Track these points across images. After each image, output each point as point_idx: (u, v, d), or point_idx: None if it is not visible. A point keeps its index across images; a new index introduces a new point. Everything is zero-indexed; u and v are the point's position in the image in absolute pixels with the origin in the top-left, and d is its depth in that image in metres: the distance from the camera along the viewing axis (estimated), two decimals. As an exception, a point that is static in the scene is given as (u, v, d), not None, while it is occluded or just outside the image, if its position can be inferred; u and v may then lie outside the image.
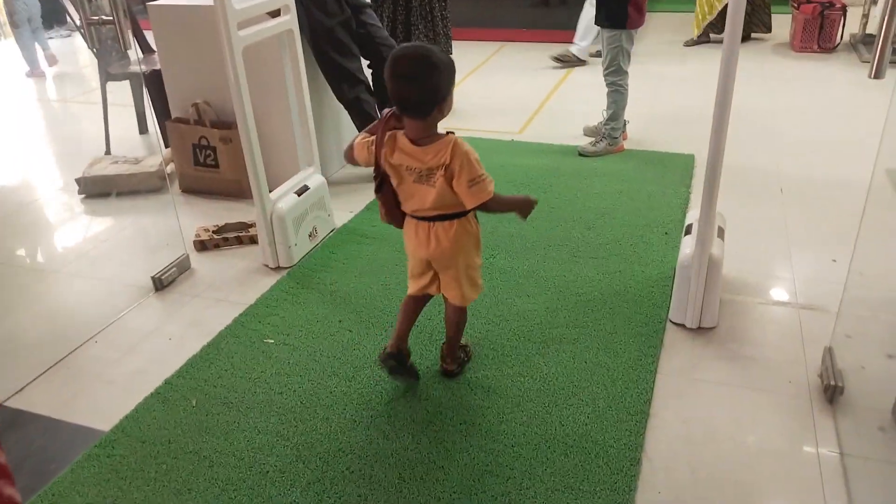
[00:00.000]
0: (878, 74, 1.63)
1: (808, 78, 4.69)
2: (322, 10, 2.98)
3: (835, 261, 2.52)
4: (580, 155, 3.54)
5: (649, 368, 2.00)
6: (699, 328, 2.18)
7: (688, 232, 2.28)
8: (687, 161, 3.38)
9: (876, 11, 5.16)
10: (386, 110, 1.75)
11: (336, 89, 3.18)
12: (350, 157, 1.84)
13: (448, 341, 2.02)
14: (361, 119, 3.24)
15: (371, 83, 3.27)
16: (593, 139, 3.60)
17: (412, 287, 1.93)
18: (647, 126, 3.89)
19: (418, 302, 1.97)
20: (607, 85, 3.44)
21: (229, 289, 2.52)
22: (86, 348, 2.25)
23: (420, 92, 1.62)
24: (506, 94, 4.68)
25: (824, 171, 3.24)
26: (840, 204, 2.92)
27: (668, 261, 2.53)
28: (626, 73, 3.39)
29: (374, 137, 1.75)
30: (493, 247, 2.70)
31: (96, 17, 2.19)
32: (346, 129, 3.46)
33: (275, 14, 2.60)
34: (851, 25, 5.38)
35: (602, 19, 3.34)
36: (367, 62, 3.27)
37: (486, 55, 5.65)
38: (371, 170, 1.79)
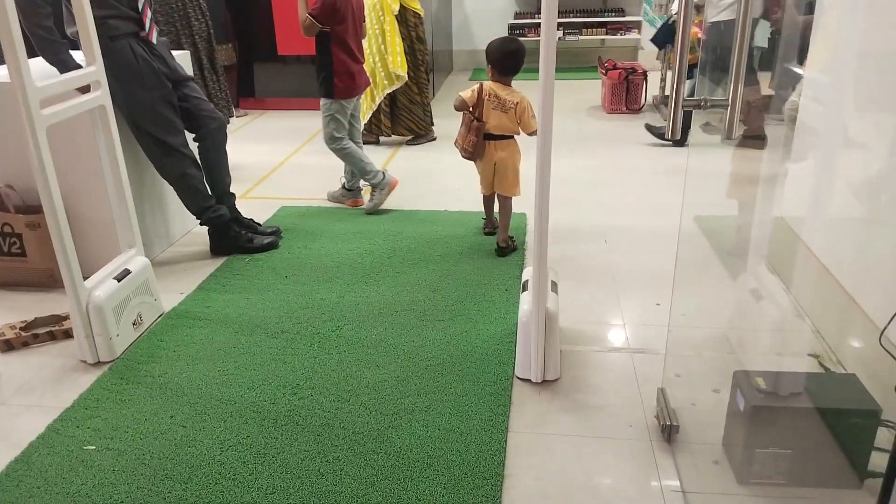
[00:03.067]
0: (673, 135, 1.80)
1: (621, 137, 5.12)
2: (139, 84, 2.83)
3: (658, 304, 2.71)
4: (367, 213, 3.74)
5: (501, 428, 2.01)
6: (544, 381, 2.23)
7: (525, 288, 2.35)
8: (520, 220, 3.52)
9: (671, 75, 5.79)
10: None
11: (159, 166, 3.01)
12: (461, 103, 3.07)
13: (501, 227, 3.20)
14: (190, 195, 3.09)
15: (198, 157, 3.13)
16: (370, 197, 3.79)
17: (485, 189, 3.26)
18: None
19: (490, 198, 3.30)
20: (334, 153, 3.70)
21: (41, 392, 2.24)
22: None
23: (516, 64, 3.01)
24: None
25: (641, 222, 3.50)
26: (657, 251, 3.16)
27: (510, 317, 2.59)
28: (341, 137, 3.63)
29: (477, 86, 3.05)
30: (340, 317, 2.63)
31: None
32: (172, 205, 3.27)
33: (85, 90, 2.43)
34: (653, 88, 5.99)
35: (318, 88, 3.62)
36: (193, 135, 3.14)
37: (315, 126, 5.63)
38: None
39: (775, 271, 2.82)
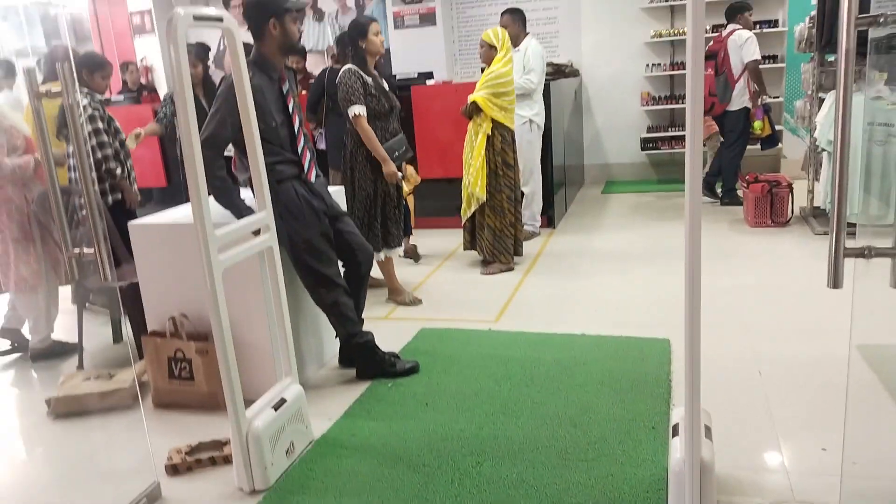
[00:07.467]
0: (835, 284, 1.70)
1: (768, 253, 4.88)
2: (300, 221, 3.10)
3: (825, 449, 2.48)
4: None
5: (654, 591, 1.88)
6: (700, 537, 2.08)
7: (675, 433, 2.24)
8: (663, 346, 3.41)
9: (819, 187, 5.52)
10: None
11: (314, 294, 3.23)
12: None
13: None
14: (341, 322, 3.27)
15: (347, 286, 3.33)
16: None
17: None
18: (619, 311, 3.97)
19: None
20: None
21: (202, 518, 2.38)
22: None
23: None
24: (478, 282, 4.77)
25: (797, 349, 3.27)
26: (819, 384, 2.93)
27: (658, 460, 2.47)
28: None
29: None
30: (479, 452, 2.62)
31: (77, 251, 2.24)
32: (325, 331, 3.47)
33: (255, 233, 2.69)
34: (800, 199, 5.73)
35: None
36: (343, 267, 3.36)
37: (454, 244, 5.84)
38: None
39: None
